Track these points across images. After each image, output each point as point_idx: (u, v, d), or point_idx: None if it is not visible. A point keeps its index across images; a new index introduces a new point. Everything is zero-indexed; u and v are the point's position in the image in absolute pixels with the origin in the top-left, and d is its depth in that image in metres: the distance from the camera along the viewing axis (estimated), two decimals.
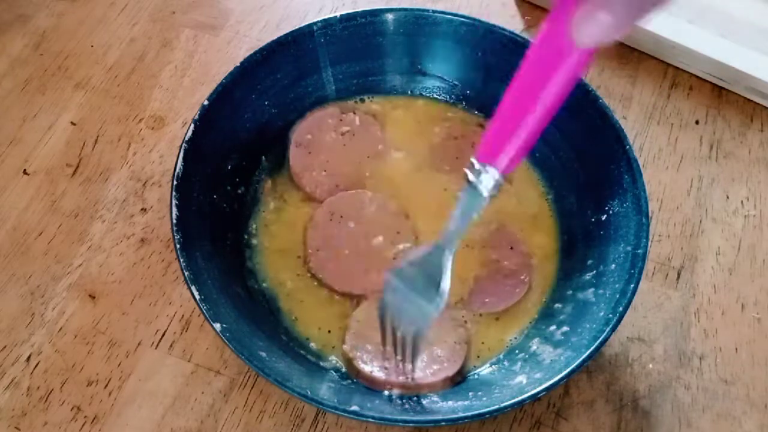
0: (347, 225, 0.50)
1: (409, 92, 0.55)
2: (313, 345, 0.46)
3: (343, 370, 0.45)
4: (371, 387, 0.44)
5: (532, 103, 0.35)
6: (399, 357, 0.43)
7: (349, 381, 0.44)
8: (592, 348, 0.40)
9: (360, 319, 0.46)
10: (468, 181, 0.38)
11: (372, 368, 0.44)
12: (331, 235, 0.49)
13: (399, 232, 0.49)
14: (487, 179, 0.38)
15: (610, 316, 0.41)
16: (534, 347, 0.45)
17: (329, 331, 0.47)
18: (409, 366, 0.43)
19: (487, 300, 0.47)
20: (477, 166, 0.38)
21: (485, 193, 0.38)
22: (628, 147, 0.46)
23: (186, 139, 0.46)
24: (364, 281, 0.48)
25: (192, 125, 0.46)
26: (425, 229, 0.50)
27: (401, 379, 0.44)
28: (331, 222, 0.50)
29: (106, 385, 0.46)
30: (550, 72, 0.34)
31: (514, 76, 0.36)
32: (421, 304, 0.40)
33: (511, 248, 0.49)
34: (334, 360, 0.46)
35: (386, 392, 0.44)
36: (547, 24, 0.33)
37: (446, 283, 0.40)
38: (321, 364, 0.45)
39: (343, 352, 0.46)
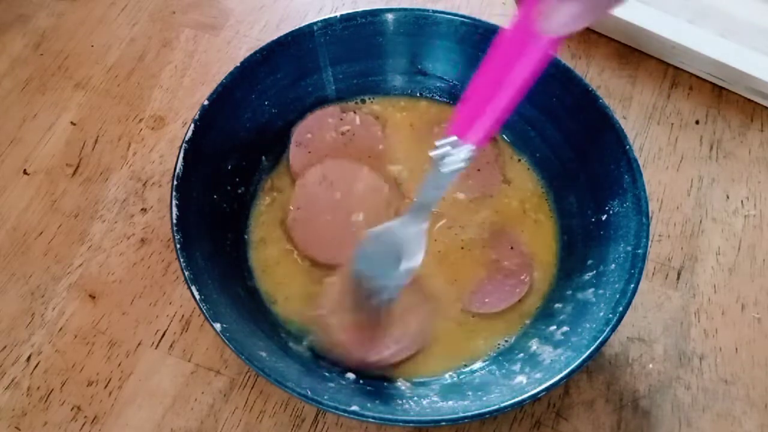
0: (334, 193, 0.50)
1: (409, 92, 0.55)
2: (311, 345, 0.46)
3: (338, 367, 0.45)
4: (335, 357, 0.45)
5: (501, 84, 0.37)
6: (368, 325, 0.44)
7: (349, 380, 0.44)
8: (592, 348, 0.40)
9: (334, 283, 0.47)
10: (439, 155, 0.40)
11: (337, 338, 0.45)
12: (315, 198, 0.50)
13: (381, 216, 0.49)
14: (458, 154, 0.39)
15: (610, 316, 0.41)
16: (534, 347, 0.45)
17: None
18: (377, 335, 0.44)
19: (487, 300, 0.47)
20: (448, 140, 0.39)
21: (455, 167, 0.40)
22: (628, 147, 0.46)
23: (186, 139, 0.46)
24: (330, 252, 0.48)
25: (192, 125, 0.46)
26: None
27: (363, 355, 0.44)
28: (320, 185, 0.50)
29: (106, 385, 0.46)
30: (520, 56, 0.35)
31: (485, 57, 0.38)
32: (391, 272, 0.42)
33: (512, 248, 0.49)
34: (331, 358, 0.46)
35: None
36: (519, 10, 0.34)
37: (418, 253, 0.42)
38: (321, 363, 0.45)
39: (315, 316, 0.46)
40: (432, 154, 0.40)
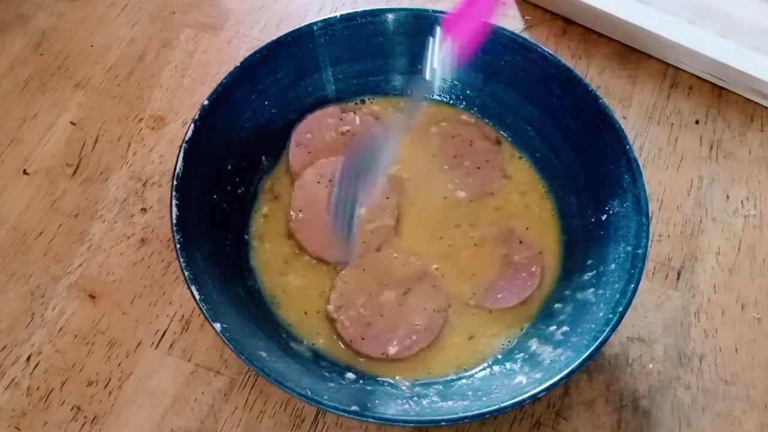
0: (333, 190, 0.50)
1: (409, 92, 0.55)
2: (311, 345, 0.46)
3: (343, 367, 0.45)
4: (346, 353, 0.46)
5: None
6: (381, 319, 0.46)
7: (349, 380, 0.44)
8: (592, 348, 0.40)
9: (347, 280, 0.47)
10: (427, 59, 0.41)
11: (351, 335, 0.46)
12: (315, 198, 0.50)
13: (384, 210, 0.50)
14: (444, 58, 0.41)
15: (610, 316, 0.41)
16: (534, 347, 0.45)
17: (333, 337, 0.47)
18: (390, 329, 0.45)
19: (500, 296, 0.48)
20: (437, 43, 0.41)
21: (441, 72, 0.41)
22: (628, 147, 0.46)
23: (186, 139, 0.46)
24: (338, 250, 0.48)
25: (192, 125, 0.46)
26: (410, 220, 0.50)
27: (379, 349, 0.45)
28: (319, 184, 0.50)
29: (106, 385, 0.46)
30: None
31: None
32: (372, 170, 0.43)
33: (520, 242, 0.49)
34: (332, 359, 0.46)
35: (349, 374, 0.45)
36: None
37: (393, 153, 0.43)
38: (321, 363, 0.45)
39: (326, 311, 0.47)
40: (426, 71, 0.41)
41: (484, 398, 0.41)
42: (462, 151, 0.53)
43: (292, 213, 0.49)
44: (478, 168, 0.52)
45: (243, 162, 0.51)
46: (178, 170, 0.45)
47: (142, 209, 0.53)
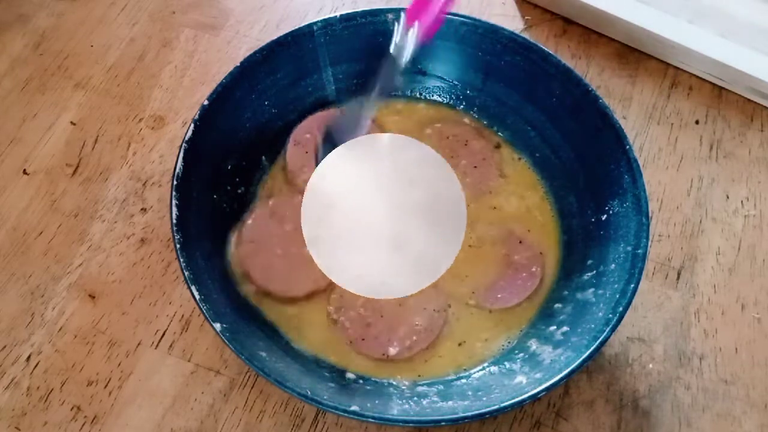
0: (284, 226, 0.49)
1: (409, 93, 0.55)
2: (311, 346, 0.46)
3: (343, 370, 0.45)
4: (347, 354, 0.46)
5: None
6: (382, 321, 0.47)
7: (349, 380, 0.44)
8: (592, 348, 0.40)
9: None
10: (393, 44, 0.44)
11: (352, 335, 0.46)
12: (267, 231, 0.49)
13: None
14: (410, 42, 0.44)
15: (610, 316, 0.41)
16: (533, 347, 0.45)
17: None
18: (392, 330, 0.46)
19: (500, 296, 0.48)
20: (402, 29, 0.43)
21: (406, 55, 0.44)
22: (628, 147, 0.46)
23: (186, 139, 0.46)
24: (286, 284, 0.47)
25: (192, 125, 0.46)
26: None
27: (381, 350, 0.45)
28: (271, 219, 0.49)
29: (106, 385, 0.46)
30: None
31: None
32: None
33: (521, 242, 0.49)
34: (332, 360, 0.46)
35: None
36: None
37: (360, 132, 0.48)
38: (321, 363, 0.45)
39: (326, 312, 0.46)
40: (392, 49, 0.44)
41: (484, 398, 0.41)
42: (458, 151, 0.53)
43: (237, 240, 0.48)
44: (475, 167, 0.52)
45: (243, 162, 0.51)
46: (178, 170, 0.45)
47: (142, 209, 0.53)
